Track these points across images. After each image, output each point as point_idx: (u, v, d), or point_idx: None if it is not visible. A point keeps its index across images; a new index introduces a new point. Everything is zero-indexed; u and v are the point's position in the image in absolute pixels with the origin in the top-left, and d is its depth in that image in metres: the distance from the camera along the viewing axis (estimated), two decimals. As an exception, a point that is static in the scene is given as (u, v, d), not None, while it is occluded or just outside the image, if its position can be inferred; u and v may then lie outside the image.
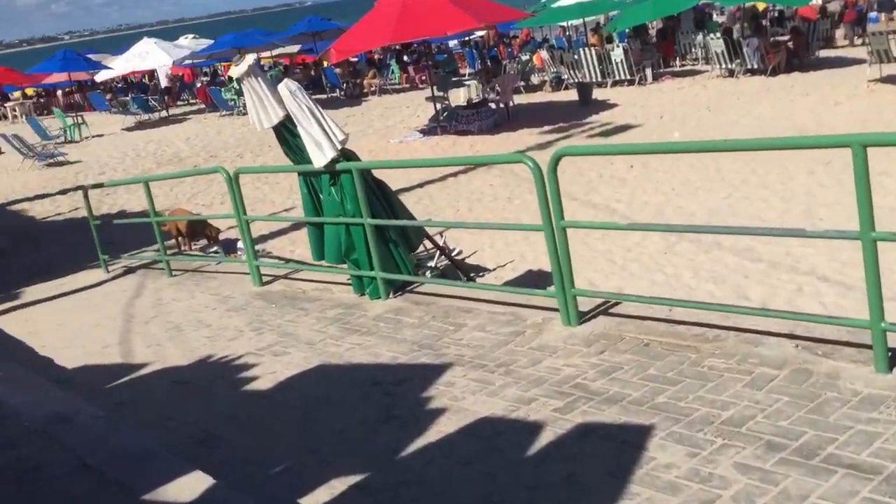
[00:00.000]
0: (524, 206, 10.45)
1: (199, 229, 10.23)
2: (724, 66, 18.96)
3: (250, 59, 6.07)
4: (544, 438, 3.70)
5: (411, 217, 6.58)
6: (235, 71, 6.05)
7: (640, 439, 3.54)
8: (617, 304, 5.06)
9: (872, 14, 26.70)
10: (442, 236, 8.30)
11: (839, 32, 23.49)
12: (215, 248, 10.05)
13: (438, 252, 7.90)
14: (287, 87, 5.99)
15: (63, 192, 15.91)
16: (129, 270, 9.20)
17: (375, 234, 6.07)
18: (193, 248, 10.39)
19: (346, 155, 6.20)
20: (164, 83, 32.30)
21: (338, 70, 27.00)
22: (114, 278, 9.03)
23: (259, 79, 6.08)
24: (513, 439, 3.74)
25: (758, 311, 4.20)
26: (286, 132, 6.24)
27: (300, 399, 4.62)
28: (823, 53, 19.96)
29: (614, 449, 3.51)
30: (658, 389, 3.95)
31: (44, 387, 4.25)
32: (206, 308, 6.99)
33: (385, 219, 6.16)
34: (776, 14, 25.18)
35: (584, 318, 4.94)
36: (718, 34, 20.00)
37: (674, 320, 4.66)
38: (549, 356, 4.59)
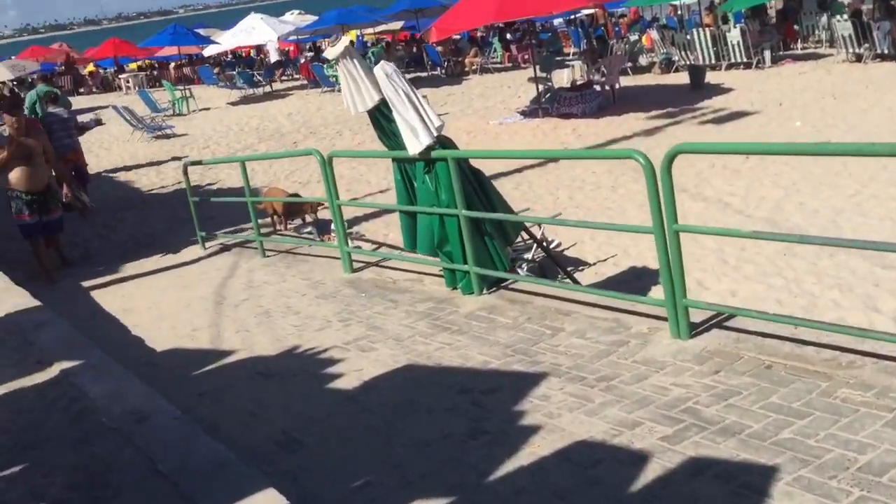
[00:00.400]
0: (628, 196, 9.93)
1: (294, 209, 10.16)
2: (851, 50, 17.68)
3: (346, 39, 5.83)
4: (650, 472, 3.31)
5: (509, 209, 6.22)
6: (331, 52, 5.81)
7: (762, 483, 3.11)
8: (733, 316, 4.59)
9: None
10: (540, 227, 7.91)
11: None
12: (309, 229, 9.94)
13: (535, 244, 7.52)
14: (383, 69, 5.71)
15: (171, 160, 16.25)
16: (224, 248, 9.18)
17: (470, 226, 5.74)
18: (289, 226, 10.32)
19: (442, 142, 5.88)
20: (273, 58, 32.72)
21: (439, 48, 26.71)
22: (210, 255, 9.03)
23: (355, 60, 5.82)
24: (614, 471, 3.37)
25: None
26: (381, 116, 5.97)
27: (385, 404, 4.36)
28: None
29: (732, 493, 3.09)
30: (782, 422, 3.49)
31: (126, 378, 4.13)
32: (295, 293, 6.83)
33: (481, 211, 5.82)
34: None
35: (695, 330, 4.49)
36: (845, 16, 18.67)
37: (800, 340, 4.16)
38: (655, 372, 4.17)
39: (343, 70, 5.90)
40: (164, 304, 7.26)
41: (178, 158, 16.25)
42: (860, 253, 7.27)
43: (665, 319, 4.59)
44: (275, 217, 10.29)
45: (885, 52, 17.03)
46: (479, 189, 5.97)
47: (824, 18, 22.05)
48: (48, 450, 3.52)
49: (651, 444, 3.50)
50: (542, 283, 5.67)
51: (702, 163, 11.16)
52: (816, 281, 6.82)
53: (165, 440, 3.41)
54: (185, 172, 9.64)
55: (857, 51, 17.55)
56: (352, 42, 27.55)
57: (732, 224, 8.55)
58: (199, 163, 10.62)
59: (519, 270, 7.19)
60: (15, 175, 8.23)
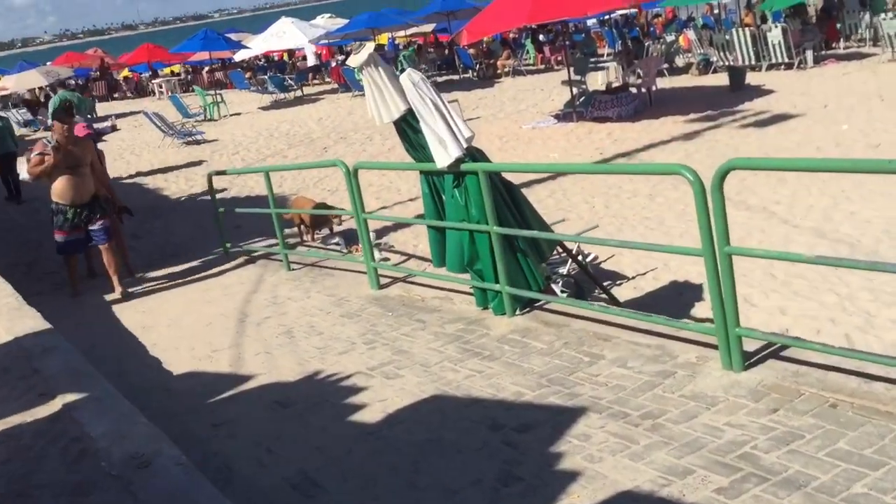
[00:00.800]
0: (667, 205, 9.51)
1: (321, 219, 9.89)
2: (897, 48, 17.03)
3: (370, 46, 5.51)
4: (705, 533, 2.95)
5: (543, 224, 5.87)
6: (354, 60, 5.51)
7: (834, 550, 2.74)
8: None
9: None
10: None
11: None
12: (336, 240, 9.67)
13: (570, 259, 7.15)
14: (410, 78, 5.39)
15: (200, 166, 16.10)
16: (250, 260, 8.94)
17: (502, 243, 5.41)
18: (316, 236, 10.06)
19: (472, 154, 5.56)
20: (311, 61, 32.56)
21: (471, 50, 26.38)
22: (235, 267, 8.79)
23: (380, 68, 5.52)
24: (664, 531, 3.02)
25: None
26: (407, 127, 5.67)
27: (410, 441, 4.03)
28: None
29: (801, 563, 2.72)
30: (854, 474, 3.11)
31: (131, 415, 3.85)
32: (320, 311, 6.54)
33: (514, 227, 5.48)
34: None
35: (749, 361, 4.10)
36: (892, 14, 18.00)
37: (867, 374, 3.76)
38: (706, 410, 3.80)
39: (367, 79, 5.60)
40: (184, 321, 7.01)
41: (199, 164, 16.11)
42: (920, 268, 6.80)
43: (715, 347, 4.22)
44: (302, 227, 10.04)
45: (935, 50, 16.37)
46: (511, 203, 5.64)
47: (867, 16, 21.36)
48: (42, 499, 3.25)
49: (705, 498, 3.13)
50: (579, 305, 5.31)
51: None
52: (873, 298, 6.37)
53: (169, 490, 3.12)
54: (210, 182, 9.44)
55: (904, 50, 16.90)
56: (379, 47, 27.28)
57: (780, 234, 8.12)
58: (223, 172, 10.39)
59: (553, 286, 6.83)
60: (59, 185, 7.98)
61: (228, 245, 9.14)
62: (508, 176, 5.97)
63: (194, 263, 9.19)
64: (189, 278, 8.67)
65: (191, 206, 13.25)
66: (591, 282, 7.12)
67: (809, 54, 18.46)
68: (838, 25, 21.53)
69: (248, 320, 6.66)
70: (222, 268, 8.89)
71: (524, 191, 10.38)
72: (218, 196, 13.10)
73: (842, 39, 21.34)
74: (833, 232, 7.93)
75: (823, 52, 19.48)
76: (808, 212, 8.60)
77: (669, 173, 4.30)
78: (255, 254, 9.00)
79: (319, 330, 6.05)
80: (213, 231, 9.69)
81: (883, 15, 19.08)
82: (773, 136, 12.26)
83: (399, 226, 10.06)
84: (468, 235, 5.63)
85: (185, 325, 6.91)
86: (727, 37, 19.73)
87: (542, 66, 26.95)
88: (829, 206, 8.61)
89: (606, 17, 29.50)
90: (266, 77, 28.65)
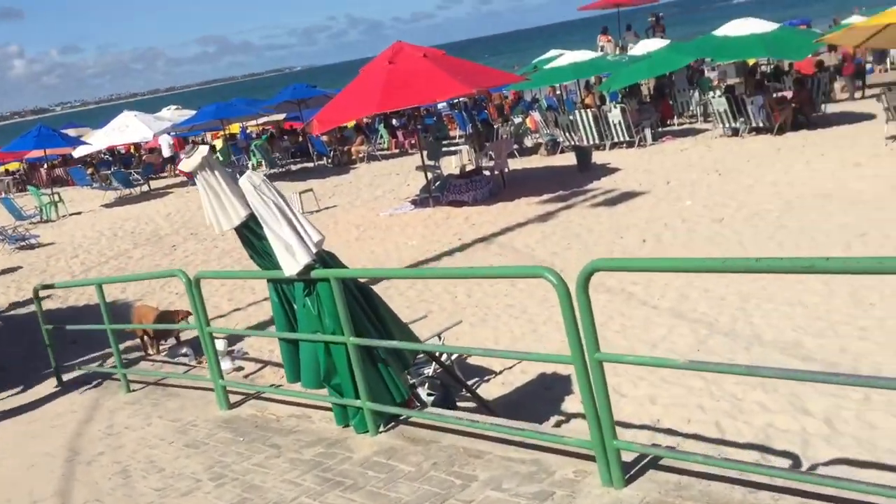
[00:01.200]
0: (529, 292, 9.40)
1: (165, 328, 9.12)
2: (727, 124, 18.16)
3: (203, 149, 5.07)
4: None
5: (405, 330, 5.50)
6: (187, 164, 5.05)
7: None
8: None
9: (869, 66, 26.25)
10: (440, 338, 7.24)
11: (837, 86, 22.84)
12: (184, 350, 8.92)
13: (433, 360, 6.80)
14: (250, 180, 4.98)
15: (33, 274, 14.81)
16: (86, 381, 8.08)
17: (361, 354, 5.00)
18: (161, 348, 9.27)
19: (323, 259, 5.16)
20: (166, 152, 31.27)
21: (324, 137, 26.19)
22: (68, 391, 7.91)
23: (216, 172, 5.08)
24: None
25: (867, 486, 3.11)
26: (250, 234, 5.23)
27: None
28: (828, 109, 19.17)
29: None
30: None
31: None
32: (161, 441, 5.85)
33: (373, 336, 5.10)
34: (771, 69, 24.61)
35: (629, 473, 3.84)
36: (719, 92, 19.29)
37: (751, 483, 3.56)
38: (590, 537, 3.48)
39: (202, 183, 5.15)
40: (4, 465, 6.11)
41: (31, 271, 14.86)
42: (777, 344, 6.90)
43: (592, 459, 3.93)
44: (145, 338, 9.22)
45: (761, 125, 17.54)
46: (368, 309, 5.26)
47: (696, 94, 22.85)
48: None
49: None
50: (446, 420, 4.94)
51: (598, 248, 10.84)
52: (738, 380, 6.35)
53: None
54: (37, 296, 8.54)
55: (733, 125, 18.03)
56: (213, 148, 26.59)
57: (640, 317, 8.13)
58: (51, 286, 9.45)
59: (420, 390, 6.45)
60: None
61: (60, 366, 8.24)
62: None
63: (19, 390, 8.21)
64: (14, 407, 7.71)
65: (20, 320, 12.06)
66: (456, 383, 6.78)
67: (648, 132, 19.39)
68: (671, 103, 22.89)
69: (78, 459, 5.87)
70: (53, 391, 7.98)
71: (384, 283, 10.07)
72: (52, 307, 12.05)
73: (676, 116, 22.66)
74: (691, 311, 8.00)
75: (661, 130, 20.53)
76: (664, 291, 8.69)
77: (533, 276, 4.06)
78: (91, 374, 8.14)
79: (160, 465, 5.37)
80: (44, 350, 8.75)
81: (711, 94, 20.43)
82: (623, 215, 12.57)
83: (254, 327, 9.44)
84: (323, 347, 5.19)
85: (3, 469, 6.01)
86: (571, 118, 20.49)
87: (397, 151, 27.10)
88: (684, 285, 8.73)
89: (455, 100, 30.18)
90: (109, 172, 27.30)
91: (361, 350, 5.01)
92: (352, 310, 5.05)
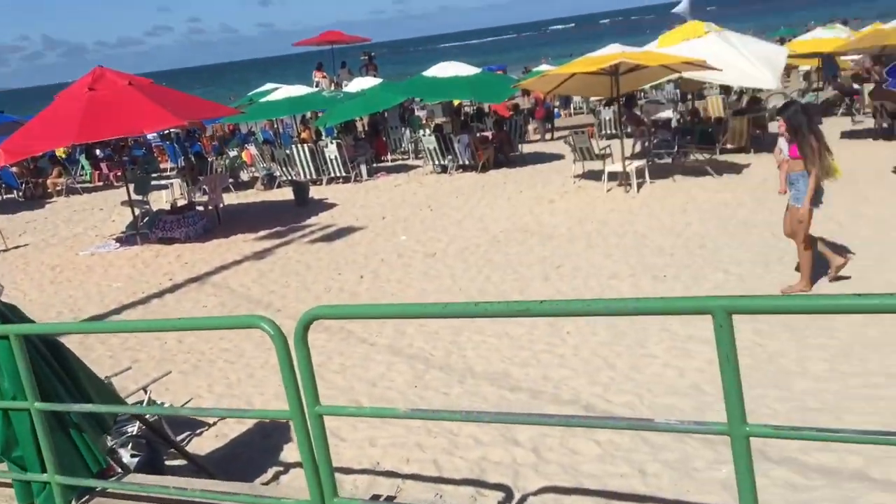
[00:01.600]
0: (246, 333, 9.03)
1: None
2: (437, 161, 19.06)
3: None
4: None
5: (103, 389, 4.97)
6: None
7: None
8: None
9: (556, 111, 29.16)
10: (146, 391, 6.67)
11: (530, 128, 25.04)
12: None
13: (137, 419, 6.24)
14: None
15: None
16: None
17: (48, 421, 4.41)
18: None
19: (1, 313, 4.51)
20: None
21: (14, 169, 23.58)
22: None
23: None
24: None
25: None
26: None
27: None
28: (524, 149, 20.87)
29: None
30: None
31: None
32: None
33: (63, 399, 4.52)
34: (474, 110, 26.37)
35: (349, 527, 3.72)
36: (429, 131, 20.22)
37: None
38: None
39: None
40: None
41: None
42: (487, 375, 7.23)
43: (307, 514, 3.77)
44: None
45: (467, 163, 18.63)
46: (58, 368, 4.67)
47: (408, 132, 23.84)
48: None
49: None
50: (150, 490, 4.50)
51: (318, 285, 10.75)
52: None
53: None
54: None
55: (442, 162, 18.96)
56: None
57: (359, 355, 8.13)
58: None
59: (122, 451, 5.87)
60: None
61: None
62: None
63: None
64: None
65: None
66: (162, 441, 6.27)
67: (363, 168, 19.80)
68: (385, 139, 23.63)
69: None
70: None
71: (79, 337, 9.13)
72: None
73: (389, 153, 23.41)
74: (408, 347, 8.16)
75: (375, 165, 21.08)
76: (382, 327, 8.79)
77: (248, 327, 3.82)
78: None
79: None
80: None
81: (421, 132, 21.39)
82: (342, 250, 12.62)
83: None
84: (2, 416, 4.52)
85: None
86: (287, 152, 20.35)
87: (101, 184, 25.09)
88: (401, 322, 8.88)
89: (167, 131, 28.71)
90: None
91: (49, 416, 4.43)
92: (37, 369, 4.44)
